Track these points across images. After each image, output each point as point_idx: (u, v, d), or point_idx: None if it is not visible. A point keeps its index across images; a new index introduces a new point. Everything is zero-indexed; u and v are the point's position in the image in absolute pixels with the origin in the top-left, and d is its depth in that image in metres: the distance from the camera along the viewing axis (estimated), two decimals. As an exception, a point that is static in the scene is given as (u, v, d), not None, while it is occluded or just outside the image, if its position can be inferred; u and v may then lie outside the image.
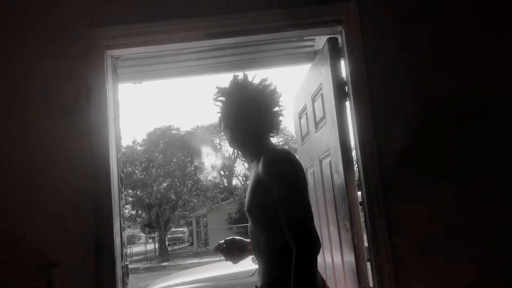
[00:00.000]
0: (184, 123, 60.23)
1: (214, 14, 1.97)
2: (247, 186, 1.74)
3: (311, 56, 2.81)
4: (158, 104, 55.33)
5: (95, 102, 1.92)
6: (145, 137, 24.93)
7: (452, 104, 1.92)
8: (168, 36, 1.97)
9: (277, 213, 1.52)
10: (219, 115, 1.75)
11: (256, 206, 1.62)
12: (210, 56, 2.58)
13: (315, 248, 1.45)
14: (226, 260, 1.85)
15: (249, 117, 1.68)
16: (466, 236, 1.82)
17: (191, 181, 24.33)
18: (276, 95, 1.71)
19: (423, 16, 1.97)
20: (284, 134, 27.12)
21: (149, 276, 15.09)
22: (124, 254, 1.99)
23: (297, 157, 1.70)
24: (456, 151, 1.88)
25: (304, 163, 2.85)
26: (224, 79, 1.75)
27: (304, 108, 2.68)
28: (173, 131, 25.39)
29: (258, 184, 1.60)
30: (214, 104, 1.75)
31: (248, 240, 1.86)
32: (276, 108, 1.71)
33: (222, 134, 1.60)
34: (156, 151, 24.20)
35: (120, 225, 1.96)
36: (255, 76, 1.73)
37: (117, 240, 1.88)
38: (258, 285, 1.64)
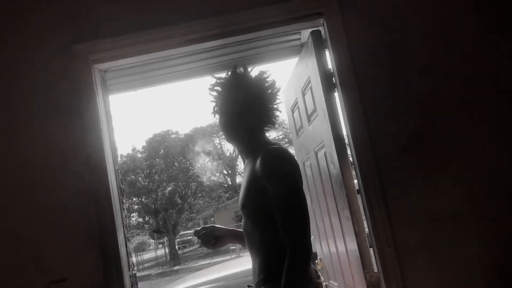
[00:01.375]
0: (182, 126, 60.26)
1: (195, 18, 1.98)
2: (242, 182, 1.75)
3: (299, 49, 2.82)
4: (155, 110, 55.38)
5: (87, 117, 1.95)
6: (145, 144, 24.98)
7: (448, 89, 1.94)
8: (152, 45, 1.99)
9: (272, 211, 1.53)
10: (215, 106, 1.75)
11: (251, 203, 1.63)
12: (198, 59, 2.60)
13: (308, 255, 1.48)
14: (201, 245, 1.87)
15: (247, 112, 1.67)
16: (464, 221, 1.85)
17: (195, 183, 24.38)
18: (275, 89, 1.71)
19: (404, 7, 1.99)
20: (283, 127, 27.14)
21: (162, 282, 15.18)
22: (132, 263, 2.02)
23: (294, 152, 1.72)
24: (454, 138, 1.91)
25: (300, 156, 2.88)
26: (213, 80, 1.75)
27: (296, 102, 2.70)
28: (172, 135, 25.43)
29: (255, 181, 1.60)
30: (209, 93, 1.74)
31: (230, 229, 1.94)
32: (274, 102, 1.71)
33: (221, 132, 1.61)
34: (157, 156, 24.25)
35: (124, 235, 1.99)
36: (254, 68, 1.73)
37: (122, 250, 1.91)
38: (254, 283, 1.66)
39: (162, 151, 24.50)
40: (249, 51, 2.68)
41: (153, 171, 23.36)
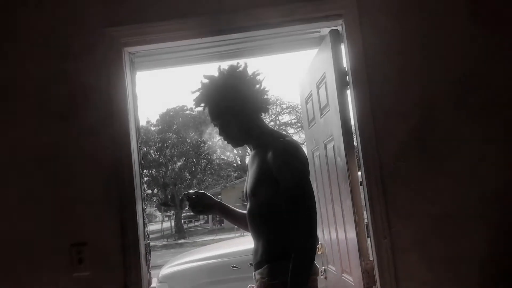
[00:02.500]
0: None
1: (220, 12, 2.11)
2: (249, 170, 1.88)
3: (318, 41, 2.92)
4: (171, 85, 55.51)
5: (116, 95, 2.10)
6: (159, 117, 25.22)
7: (449, 90, 2.05)
8: (180, 33, 2.13)
9: (280, 202, 1.67)
10: (207, 109, 1.85)
11: (262, 192, 1.74)
12: (218, 45, 2.73)
13: (313, 257, 1.62)
14: (188, 209, 2.01)
15: (243, 103, 1.79)
16: (457, 219, 1.99)
17: (205, 160, 24.68)
18: (261, 79, 1.83)
19: (421, 6, 2.09)
20: (297, 111, 27.18)
21: (167, 253, 15.54)
22: (146, 233, 2.20)
23: (305, 141, 1.86)
24: (453, 137, 2.03)
25: (310, 145, 3.02)
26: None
27: (310, 94, 2.82)
28: (186, 112, 25.64)
29: (266, 172, 1.71)
30: (197, 93, 1.85)
31: (218, 201, 2.10)
32: (263, 91, 1.83)
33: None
34: (170, 131, 24.52)
35: (142, 207, 2.16)
36: (239, 64, 1.85)
37: (139, 221, 2.08)
38: (254, 263, 1.81)
39: (175, 126, 24.76)
40: (266, 40, 2.79)
41: (165, 145, 23.68)
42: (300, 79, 3.12)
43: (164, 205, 25.43)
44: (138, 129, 2.25)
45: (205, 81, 1.84)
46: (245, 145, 1.91)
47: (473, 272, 1.96)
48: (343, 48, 2.18)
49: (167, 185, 23.65)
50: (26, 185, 2.09)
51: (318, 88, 2.60)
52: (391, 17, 2.08)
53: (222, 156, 28.07)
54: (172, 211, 25.04)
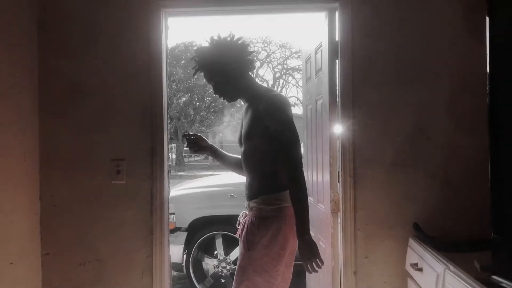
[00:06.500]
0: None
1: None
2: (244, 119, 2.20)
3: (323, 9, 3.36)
4: (182, 20, 54.40)
5: (153, 47, 2.66)
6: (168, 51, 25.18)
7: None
8: None
9: (271, 144, 2.01)
10: (203, 73, 2.16)
11: (255, 136, 2.07)
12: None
13: (304, 180, 2.01)
14: (186, 146, 2.53)
15: (232, 65, 2.10)
16: (408, 169, 2.60)
17: (209, 98, 25.03)
18: (245, 44, 2.15)
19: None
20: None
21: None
22: (169, 156, 2.83)
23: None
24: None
25: (306, 100, 3.59)
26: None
27: (309, 56, 3.36)
28: (195, 47, 25.49)
29: (258, 120, 2.04)
30: (194, 60, 2.16)
31: (212, 144, 2.49)
32: (247, 53, 2.15)
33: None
34: (178, 65, 24.64)
35: (167, 136, 2.77)
36: (227, 34, 2.15)
37: (165, 145, 2.70)
38: (248, 194, 2.18)
39: (183, 61, 24.84)
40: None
41: (171, 79, 23.91)
42: (303, 41, 3.63)
43: (166, 138, 26.04)
44: (167, 74, 2.82)
45: (200, 51, 2.17)
46: (239, 99, 2.24)
47: (413, 210, 2.57)
48: (337, 25, 2.69)
49: (171, 118, 24.12)
50: (79, 115, 2.71)
51: (316, 52, 3.13)
52: (381, 7, 2.60)
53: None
54: (174, 144, 25.79)
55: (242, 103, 2.29)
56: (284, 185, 2.03)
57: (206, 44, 2.16)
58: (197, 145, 2.44)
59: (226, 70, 2.10)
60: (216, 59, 2.10)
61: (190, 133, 2.47)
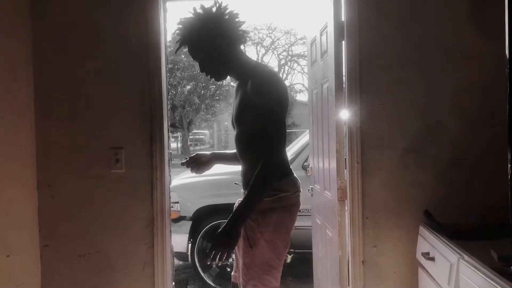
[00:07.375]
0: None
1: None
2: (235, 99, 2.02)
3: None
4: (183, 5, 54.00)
5: (151, 28, 2.56)
6: (171, 38, 25.06)
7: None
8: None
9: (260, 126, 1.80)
10: (188, 49, 1.96)
11: (245, 119, 1.90)
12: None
13: (276, 173, 1.77)
14: (191, 172, 2.31)
15: (218, 38, 1.88)
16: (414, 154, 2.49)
17: (214, 86, 24.92)
18: (234, 13, 1.92)
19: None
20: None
21: (172, 171, 16.35)
22: (169, 144, 2.74)
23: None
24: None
25: (311, 84, 3.48)
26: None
27: (314, 39, 3.23)
28: (179, 20, 25.32)
29: (248, 101, 1.85)
30: (177, 34, 1.94)
31: (213, 153, 2.40)
32: (237, 23, 1.92)
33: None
34: (182, 53, 24.50)
35: (167, 123, 2.67)
36: (213, 4, 1.92)
37: (165, 133, 2.61)
38: (243, 183, 2.04)
39: (186, 48, 24.68)
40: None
41: (176, 67, 23.79)
42: (309, 23, 3.50)
43: (172, 126, 26.01)
44: (166, 58, 2.71)
45: (182, 23, 1.93)
46: (228, 77, 2.03)
47: (424, 197, 2.48)
48: (343, 4, 2.57)
49: (175, 107, 24.07)
50: (75, 102, 2.63)
51: (321, 34, 3.01)
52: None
53: (232, 83, 28.30)
54: (179, 133, 25.75)
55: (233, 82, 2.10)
56: (282, 171, 1.87)
57: (189, 15, 1.93)
58: (199, 163, 2.31)
59: (212, 45, 1.89)
60: (201, 32, 1.88)
61: (186, 157, 2.36)
